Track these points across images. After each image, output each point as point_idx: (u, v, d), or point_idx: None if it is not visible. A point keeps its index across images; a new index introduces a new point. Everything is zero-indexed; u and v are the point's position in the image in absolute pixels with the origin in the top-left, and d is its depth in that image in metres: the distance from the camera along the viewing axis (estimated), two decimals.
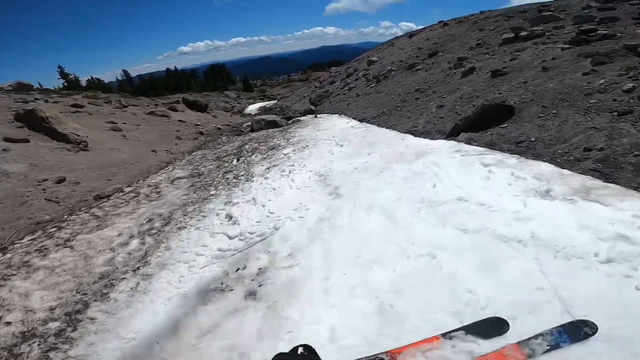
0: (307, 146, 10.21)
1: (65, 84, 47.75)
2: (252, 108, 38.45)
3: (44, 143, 12.17)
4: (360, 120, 13.05)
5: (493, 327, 2.38)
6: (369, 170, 6.89)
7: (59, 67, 48.28)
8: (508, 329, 2.37)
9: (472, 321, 2.56)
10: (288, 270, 4.04)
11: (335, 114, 17.10)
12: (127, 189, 8.78)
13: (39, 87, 27.09)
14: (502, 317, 2.48)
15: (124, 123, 16.91)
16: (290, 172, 8.28)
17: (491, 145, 6.27)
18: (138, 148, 13.46)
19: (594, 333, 2.09)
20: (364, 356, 2.37)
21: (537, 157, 5.21)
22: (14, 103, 17.77)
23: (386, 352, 2.32)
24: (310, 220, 5.23)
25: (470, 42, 15.56)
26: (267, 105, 36.64)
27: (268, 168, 8.96)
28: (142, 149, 13.26)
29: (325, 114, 18.21)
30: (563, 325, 2.21)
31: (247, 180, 8.41)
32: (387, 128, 10.74)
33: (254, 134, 14.89)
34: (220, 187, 8.26)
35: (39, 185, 8.58)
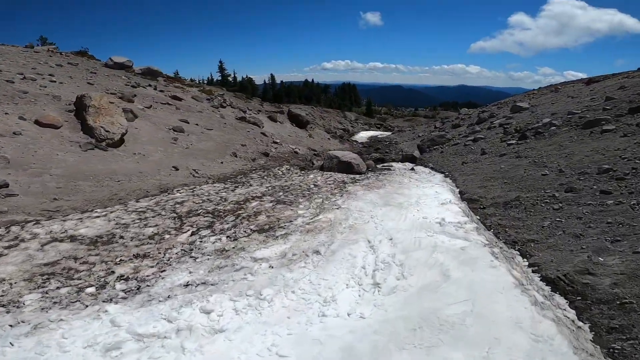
0: (324, 249, 5.18)
1: (220, 78, 51.85)
2: (363, 135, 34.49)
3: (70, 133, 9.91)
4: (470, 203, 7.52)
5: None
6: None
7: (220, 62, 52.04)
8: None
9: None
10: None
11: (440, 173, 11.39)
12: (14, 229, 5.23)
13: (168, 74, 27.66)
14: None
15: (196, 124, 14.47)
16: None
17: None
18: (167, 158, 10.43)
19: None
20: None
21: None
22: (125, 86, 17.21)
23: None
24: None
25: None
26: (379, 136, 32.11)
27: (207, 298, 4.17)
28: (169, 161, 10.15)
29: (427, 168, 12.60)
30: None
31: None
32: (520, 254, 5.04)
33: (310, 176, 10.46)
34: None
35: None
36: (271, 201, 7.48)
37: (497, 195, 7.33)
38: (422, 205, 7.24)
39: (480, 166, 10.61)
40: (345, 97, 67.87)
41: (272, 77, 64.60)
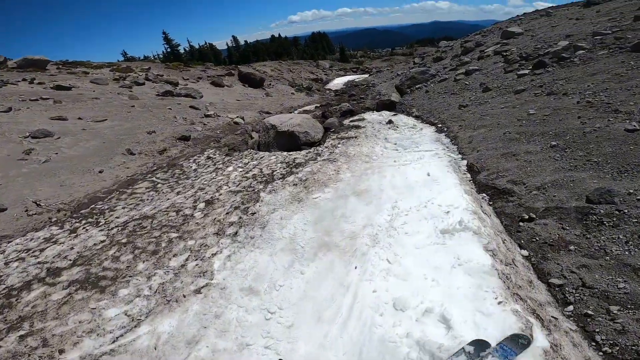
0: None
1: (168, 49, 41.97)
2: (338, 82, 29.17)
3: None
4: (503, 214, 3.38)
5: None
6: None
7: (164, 33, 40.38)
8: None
9: None
10: None
11: (430, 125, 7.30)
12: None
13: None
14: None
15: (79, 119, 9.21)
16: None
17: None
18: None
19: (529, 343, 1.96)
20: None
21: None
22: None
23: None
24: None
25: None
26: (356, 80, 27.07)
27: None
28: None
29: (411, 118, 8.44)
30: (502, 341, 1.99)
31: None
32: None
33: (227, 170, 6.10)
34: None
35: None
36: (73, 282, 3.33)
37: (552, 180, 3.43)
38: (400, 242, 3.11)
39: (490, 110, 6.52)
40: (317, 47, 59.49)
41: (235, 38, 55.66)
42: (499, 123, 5.51)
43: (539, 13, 19.26)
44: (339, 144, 6.30)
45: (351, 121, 9.06)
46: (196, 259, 3.51)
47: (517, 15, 22.71)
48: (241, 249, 3.46)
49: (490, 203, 3.57)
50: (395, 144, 6.21)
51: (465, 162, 4.72)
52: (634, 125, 3.59)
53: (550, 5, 19.33)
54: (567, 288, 2.56)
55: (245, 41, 55.57)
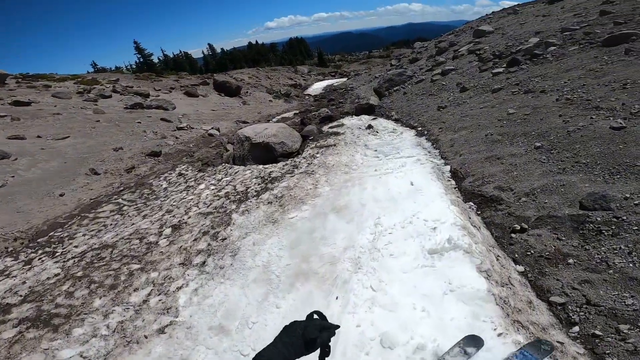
0: None
1: (141, 59, 39.00)
2: (317, 87, 28.85)
3: None
4: (493, 225, 3.09)
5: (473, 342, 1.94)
6: None
7: (135, 43, 38.87)
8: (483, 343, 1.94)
9: None
10: None
11: (411, 128, 7.07)
12: None
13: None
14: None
15: (38, 137, 8.42)
16: None
17: None
18: None
19: (552, 349, 1.84)
20: None
21: None
22: None
23: None
24: None
25: None
26: (335, 84, 26.85)
27: None
28: None
29: (391, 122, 8.21)
30: (523, 347, 1.87)
31: None
32: None
33: (198, 188, 5.60)
34: None
35: None
36: (24, 320, 2.85)
37: (541, 185, 3.18)
38: (385, 266, 2.74)
39: (469, 111, 6.33)
40: (295, 53, 58.86)
41: (210, 46, 54.60)
42: (480, 124, 5.30)
43: (506, 11, 19.59)
44: (317, 153, 5.95)
45: (330, 127, 8.74)
46: (160, 294, 3.07)
47: (487, 14, 23.11)
48: (209, 281, 3.04)
49: (479, 213, 3.29)
50: (376, 150, 5.92)
51: (448, 167, 4.45)
52: (620, 123, 3.40)
53: (516, 3, 19.68)
54: (570, 307, 2.28)
55: (222, 49, 54.32)
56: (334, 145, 6.45)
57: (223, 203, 4.57)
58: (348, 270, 2.65)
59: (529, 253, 2.64)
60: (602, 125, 3.61)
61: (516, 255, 2.69)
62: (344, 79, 31.16)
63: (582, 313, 2.24)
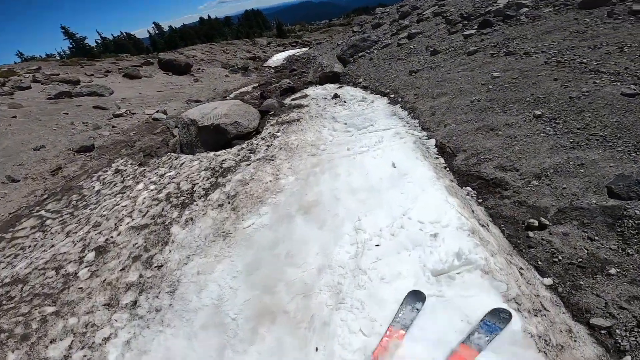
0: None
1: (73, 45, 33.88)
2: (278, 58, 26.77)
3: None
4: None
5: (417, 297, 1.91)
6: None
7: (62, 28, 33.71)
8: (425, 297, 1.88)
9: None
10: None
11: (382, 96, 6.24)
12: None
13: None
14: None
15: None
16: None
17: None
18: None
19: (510, 316, 1.74)
20: None
21: None
22: None
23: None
24: None
25: None
26: (297, 54, 24.98)
27: None
28: None
29: (359, 89, 7.31)
30: (484, 318, 1.76)
31: None
32: None
33: (135, 189, 4.42)
34: None
35: None
36: None
37: (553, 164, 2.44)
38: (377, 297, 1.94)
39: (446, 75, 5.57)
40: (252, 25, 54.02)
41: (157, 25, 48.89)
42: (462, 89, 4.57)
43: None
44: (278, 131, 4.95)
45: (293, 100, 7.66)
46: (83, 347, 2.16)
47: None
48: (145, 329, 2.14)
49: (480, 201, 2.63)
50: (346, 123, 5.05)
51: (433, 141, 3.72)
52: (633, 89, 2.80)
53: None
54: (617, 331, 1.70)
55: (170, 27, 48.76)
56: (298, 120, 5.47)
57: (163, 209, 3.53)
58: (327, 306, 1.88)
59: (555, 259, 2.01)
60: (610, 91, 3.01)
61: (539, 263, 2.05)
62: (306, 49, 29.26)
63: (632, 338, 1.66)
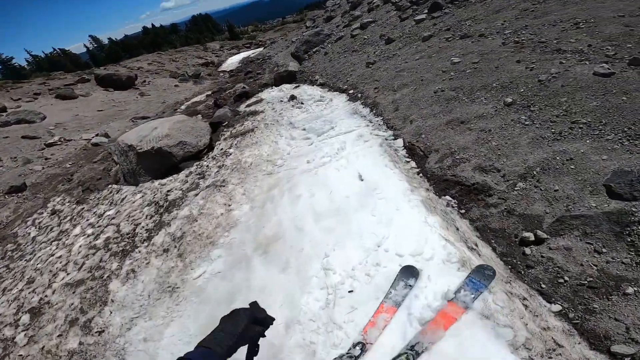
0: None
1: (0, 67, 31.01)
2: (232, 61, 25.50)
3: None
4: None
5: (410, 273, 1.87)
6: None
7: None
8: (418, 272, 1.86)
9: None
10: None
11: (341, 92, 5.78)
12: None
13: None
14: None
15: None
16: None
17: None
18: None
19: (494, 273, 1.74)
20: None
21: None
22: None
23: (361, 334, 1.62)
24: None
25: None
26: (252, 55, 23.93)
27: None
28: None
29: (317, 87, 6.82)
30: (470, 275, 1.76)
31: None
32: None
33: (97, 208, 3.85)
34: None
35: None
36: None
37: (538, 160, 2.13)
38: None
39: (404, 64, 5.20)
40: (201, 30, 51.15)
41: (94, 38, 45.26)
42: (423, 78, 4.22)
43: None
44: (231, 146, 4.35)
45: (247, 106, 7.02)
46: None
47: None
48: None
49: (463, 212, 2.26)
50: (305, 129, 4.55)
51: (400, 141, 3.33)
52: (607, 68, 2.53)
53: None
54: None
55: (110, 38, 45.11)
56: (252, 130, 4.88)
57: (101, 259, 2.87)
58: None
59: (561, 280, 1.67)
60: (581, 71, 2.73)
61: (542, 286, 1.70)
62: (261, 49, 28.30)
63: None
